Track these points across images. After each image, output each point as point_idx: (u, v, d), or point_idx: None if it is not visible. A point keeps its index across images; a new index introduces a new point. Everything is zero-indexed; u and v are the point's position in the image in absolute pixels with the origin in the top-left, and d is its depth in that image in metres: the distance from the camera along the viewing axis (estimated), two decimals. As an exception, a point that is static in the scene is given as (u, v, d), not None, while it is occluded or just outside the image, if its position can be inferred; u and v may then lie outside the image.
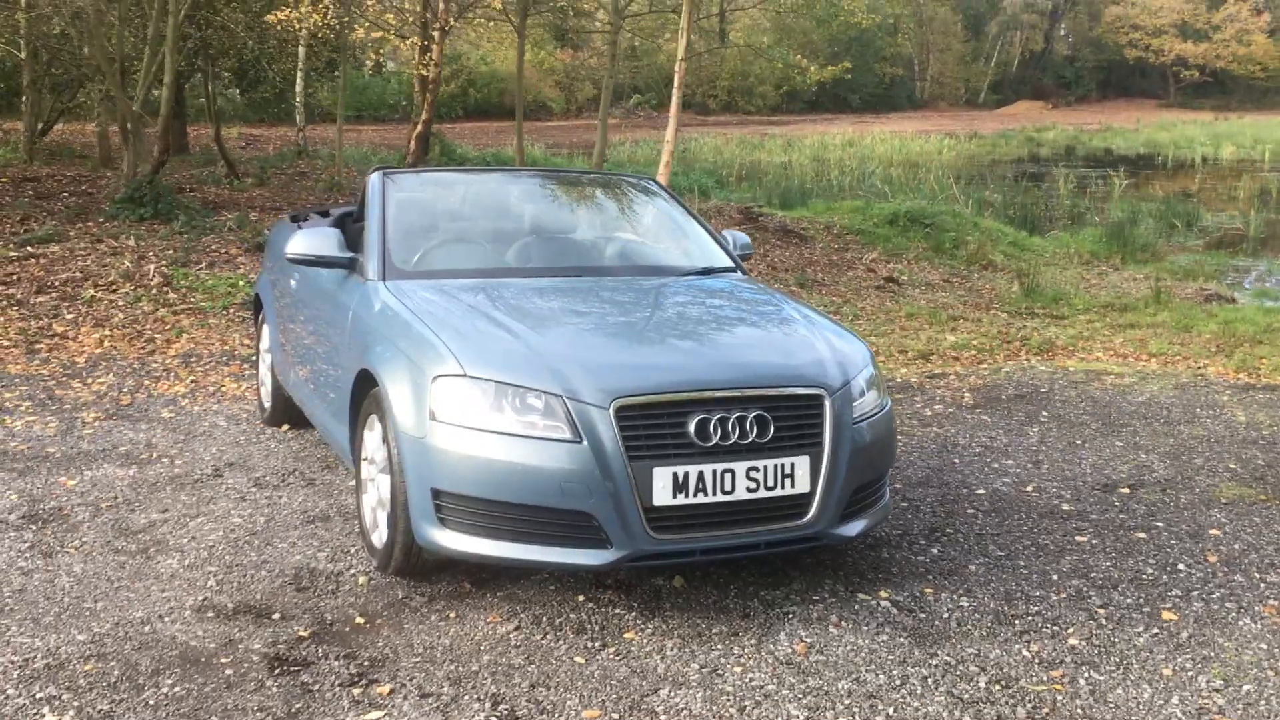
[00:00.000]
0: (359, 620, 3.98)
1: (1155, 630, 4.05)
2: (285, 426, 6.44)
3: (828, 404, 4.08)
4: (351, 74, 27.79)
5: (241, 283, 10.04)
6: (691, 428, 3.86)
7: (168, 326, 8.97)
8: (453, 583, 4.28)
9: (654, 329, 4.43)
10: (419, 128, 14.12)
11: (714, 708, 3.43)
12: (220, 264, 10.57)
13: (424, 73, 13.64)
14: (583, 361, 3.96)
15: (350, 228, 6.21)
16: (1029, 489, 5.67)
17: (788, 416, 4.00)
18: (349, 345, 4.68)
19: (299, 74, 19.82)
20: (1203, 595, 4.37)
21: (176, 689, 3.45)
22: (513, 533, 3.87)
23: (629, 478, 3.78)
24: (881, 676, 3.63)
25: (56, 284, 9.59)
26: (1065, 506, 5.40)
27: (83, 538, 4.64)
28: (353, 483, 5.42)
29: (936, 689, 3.56)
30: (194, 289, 9.82)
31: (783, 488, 3.95)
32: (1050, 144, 39.79)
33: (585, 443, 3.78)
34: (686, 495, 3.83)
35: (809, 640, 3.87)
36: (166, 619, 3.92)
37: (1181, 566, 4.66)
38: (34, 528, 4.74)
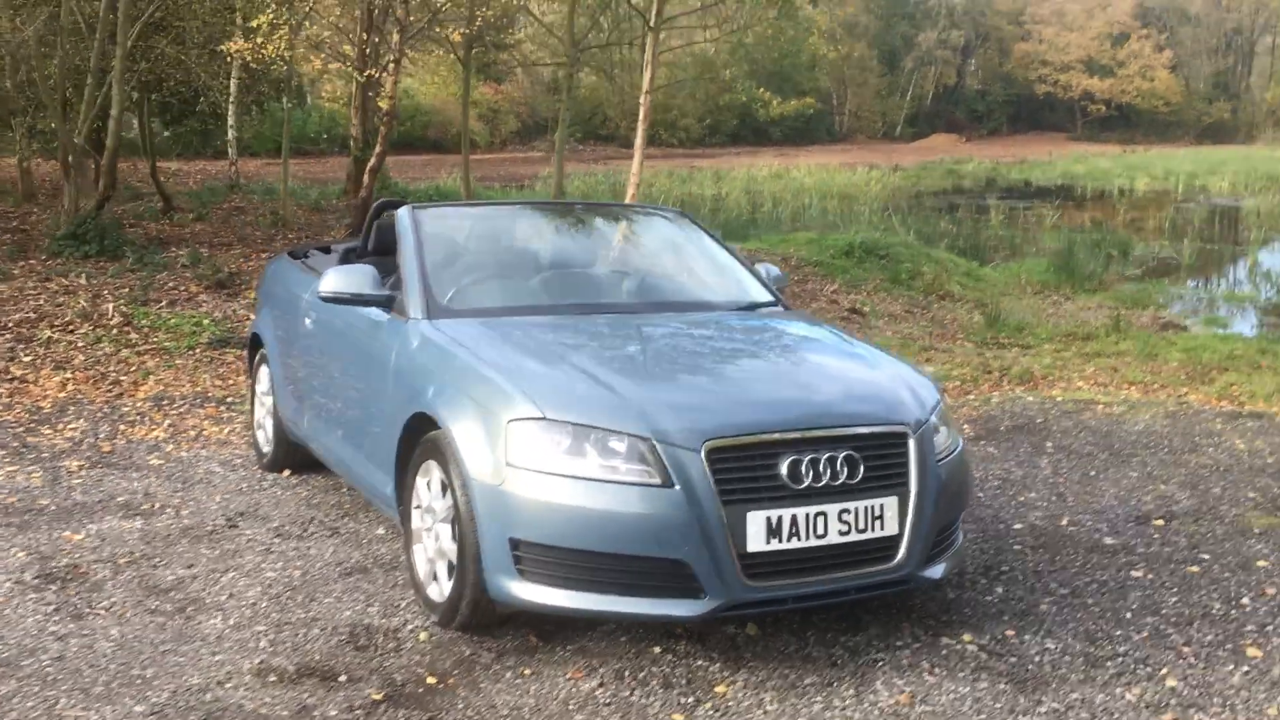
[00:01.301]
0: (430, 680, 3.74)
1: (1245, 668, 3.97)
2: (287, 472, 6.15)
3: (912, 442, 3.95)
4: (272, 107, 27.27)
5: (206, 321, 9.68)
6: (784, 469, 3.70)
7: (133, 368, 8.58)
8: (518, 637, 4.06)
9: (730, 367, 4.28)
10: (373, 160, 13.82)
11: (837, 766, 3.26)
12: (181, 302, 10.18)
13: (382, 105, 13.36)
14: (666, 402, 3.79)
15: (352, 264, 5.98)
16: (1064, 523, 5.60)
17: (875, 455, 3.87)
18: (393, 388, 4.45)
19: (230, 106, 19.37)
20: (1275, 631, 4.31)
21: (258, 764, 3.18)
22: (599, 583, 3.67)
23: (723, 523, 3.61)
24: (996, 727, 3.50)
25: (10, 325, 9.13)
26: (1108, 541, 5.33)
27: (110, 598, 4.33)
28: (380, 531, 5.17)
29: (1056, 738, 3.44)
30: (156, 328, 9.43)
31: (873, 530, 3.81)
32: (971, 176, 40.52)
33: (678, 487, 3.60)
34: (780, 540, 3.67)
35: (908, 689, 3.72)
36: (227, 685, 3.64)
37: (1246, 600, 4.60)
38: (54, 588, 4.41)
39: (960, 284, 14.84)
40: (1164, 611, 4.46)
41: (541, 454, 3.71)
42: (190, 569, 4.65)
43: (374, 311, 4.76)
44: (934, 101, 65.26)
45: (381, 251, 6.13)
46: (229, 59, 12.56)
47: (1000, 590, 4.64)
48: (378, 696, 3.61)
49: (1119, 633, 4.23)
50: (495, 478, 3.75)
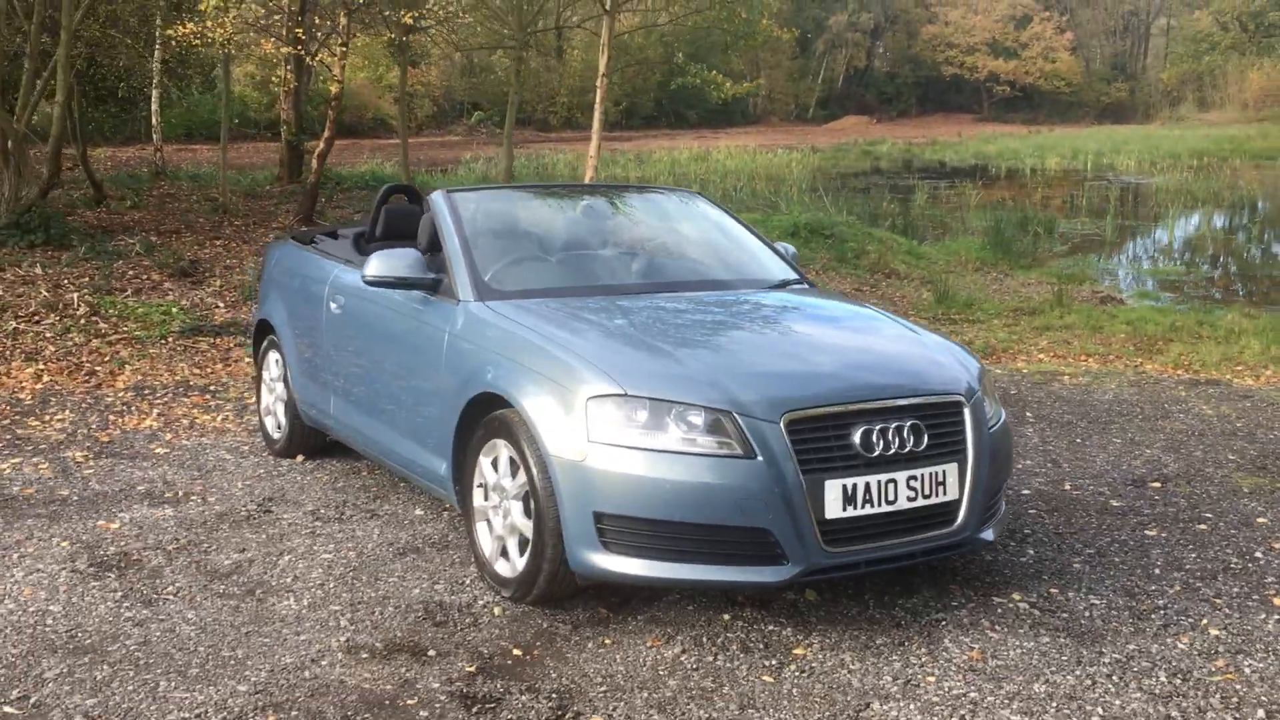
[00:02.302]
0: (516, 652, 3.82)
1: (1277, 617, 4.22)
2: (300, 457, 6.14)
3: (967, 410, 4.13)
4: (180, 93, 26.63)
5: (174, 309, 9.54)
6: (856, 438, 3.85)
7: (106, 358, 8.44)
8: (589, 609, 4.16)
9: (789, 342, 4.41)
10: (321, 146, 13.64)
11: (934, 719, 3.41)
12: (146, 291, 10.01)
13: (332, 88, 13.20)
14: (742, 376, 3.91)
15: (365, 248, 5.98)
16: (1067, 488, 5.85)
17: (936, 424, 4.03)
18: (446, 370, 4.49)
19: (154, 91, 18.94)
20: (1293, 581, 4.59)
21: (378, 738, 3.24)
22: (684, 553, 3.78)
23: (803, 492, 3.74)
24: (1069, 677, 3.69)
25: (-28, 316, 8.91)
26: (1114, 503, 5.58)
27: (174, 583, 4.32)
28: (419, 511, 5.21)
29: (1127, 686, 3.63)
30: (125, 317, 9.27)
31: (936, 495, 3.98)
32: (886, 157, 41.13)
33: (760, 458, 3.72)
34: (855, 507, 3.82)
35: (976, 646, 3.90)
36: (322, 663, 3.68)
37: (1259, 554, 4.87)
38: (113, 575, 4.39)
39: (904, 262, 15.16)
40: (1188, 567, 4.70)
41: (622, 429, 3.80)
42: (244, 553, 4.66)
43: (420, 296, 4.79)
44: (845, 84, 66.10)
45: (390, 236, 6.15)
46: (173, 42, 12.28)
47: (1031, 552, 4.85)
48: (470, 669, 3.68)
49: (1153, 588, 4.46)
50: (577, 454, 3.83)
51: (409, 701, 3.45)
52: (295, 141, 18.35)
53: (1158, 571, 4.64)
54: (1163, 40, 75.24)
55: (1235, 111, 60.92)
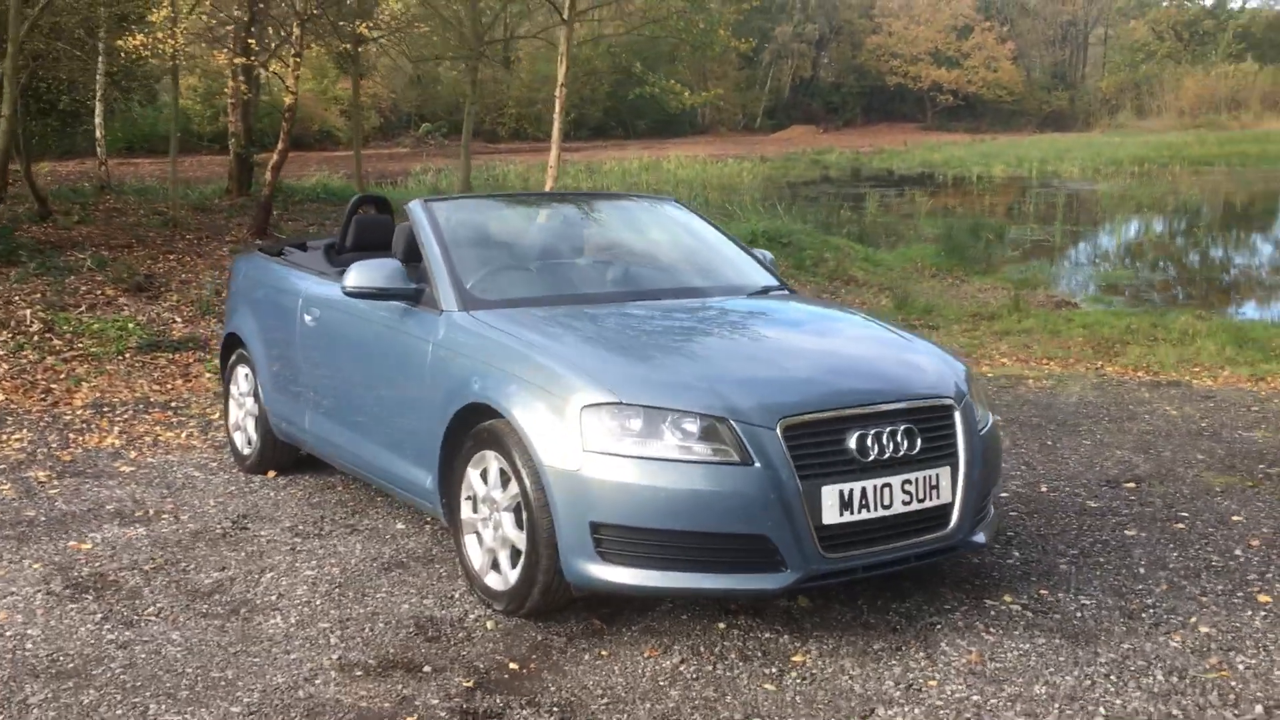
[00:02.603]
0: (513, 666, 3.76)
1: (1263, 613, 4.26)
2: (272, 473, 6.03)
3: (957, 414, 4.14)
4: (124, 106, 26.19)
5: (131, 325, 9.36)
6: (852, 443, 3.84)
7: (63, 375, 8.26)
8: (580, 621, 4.11)
9: (781, 348, 4.40)
10: (275, 158, 13.47)
11: (940, 722, 3.41)
12: (101, 306, 9.82)
13: (286, 99, 13.05)
14: (736, 383, 3.89)
15: (336, 260, 5.91)
16: (1044, 489, 5.88)
17: (929, 427, 4.04)
18: (431, 381, 4.43)
19: (98, 103, 18.62)
20: (1274, 578, 4.63)
21: (381, 757, 3.17)
22: (682, 561, 3.75)
23: (801, 498, 3.72)
24: (1068, 678, 3.69)
25: (-78, 334, 8.69)
26: (1091, 504, 5.62)
27: (156, 603, 4.22)
28: (400, 525, 5.14)
29: (1126, 686, 3.65)
30: (80, 334, 9.08)
31: (930, 499, 3.98)
32: (835, 165, 41.46)
33: (758, 464, 3.70)
34: (852, 512, 3.81)
35: (974, 649, 3.90)
36: (316, 682, 3.60)
37: (1238, 552, 4.92)
38: (90, 596, 4.28)
39: (861, 269, 15.26)
40: (1171, 565, 4.74)
41: (617, 438, 3.76)
42: (224, 571, 4.56)
43: (399, 307, 4.72)
44: (791, 94, 66.50)
45: (361, 247, 6.07)
46: (121, 54, 12.07)
47: (1017, 554, 4.87)
48: (468, 684, 3.62)
49: (1140, 587, 4.49)
50: (571, 463, 3.78)
51: (409, 719, 3.38)
52: (245, 154, 18.11)
53: (1142, 571, 4.67)
54: (1101, 49, 76.53)
55: (1172, 119, 62.07)
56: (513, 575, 4.05)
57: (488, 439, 4.11)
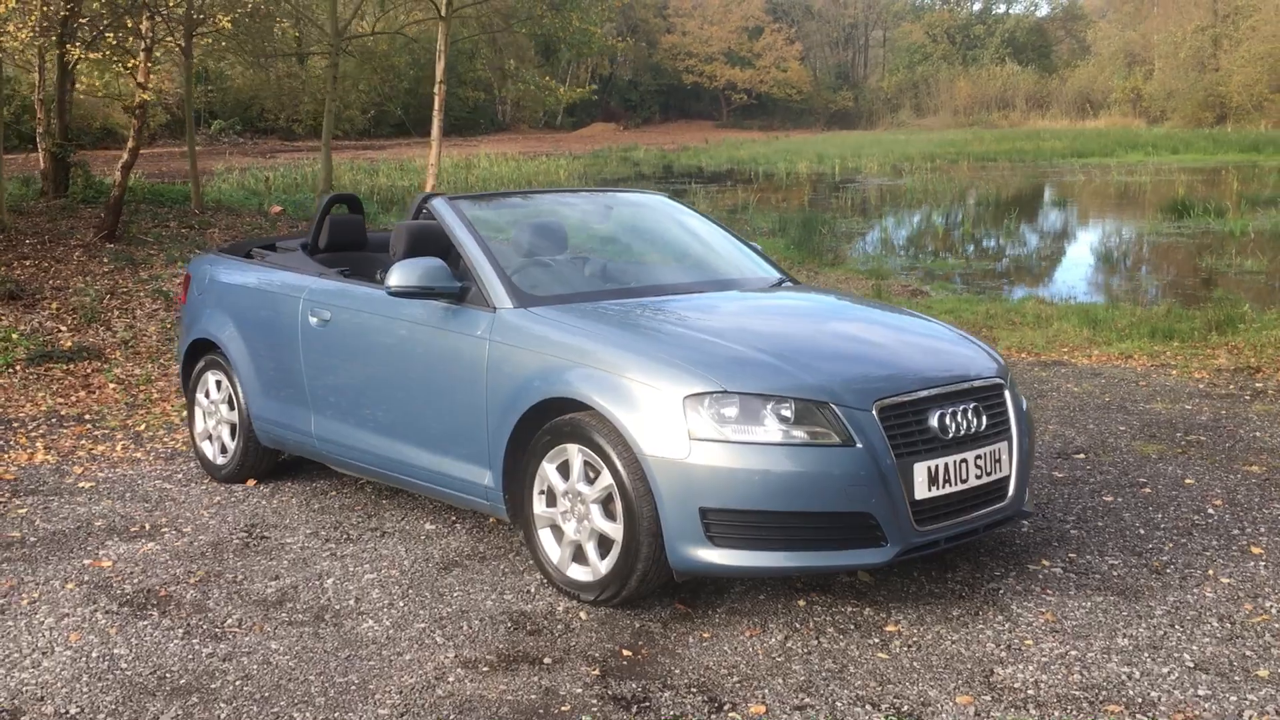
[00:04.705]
0: (627, 653, 3.82)
1: (1264, 563, 4.70)
2: (252, 481, 5.84)
3: (1007, 392, 4.42)
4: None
5: (14, 335, 8.79)
6: (934, 422, 4.06)
7: (-49, 391, 7.71)
8: (666, 607, 4.19)
9: (849, 336, 4.59)
10: (126, 157, 12.78)
11: (1061, 674, 3.65)
12: (-26, 315, 9.17)
13: (146, 97, 12.41)
14: (826, 368, 4.05)
15: (328, 260, 5.80)
16: (1006, 464, 6.26)
17: (990, 406, 4.30)
18: (490, 379, 4.41)
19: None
20: (1254, 532, 5.10)
21: (559, 747, 3.19)
22: (789, 541, 3.88)
23: (897, 475, 3.91)
24: (1142, 629, 4.01)
25: None
26: (1058, 475, 6.03)
27: (230, 615, 4.06)
28: (430, 526, 5.08)
29: (1194, 634, 3.98)
30: (-44, 346, 8.48)
31: (995, 472, 4.24)
32: (645, 162, 42.05)
33: (859, 445, 3.87)
34: (939, 487, 4.03)
35: (1045, 610, 4.17)
36: (449, 679, 3.58)
37: (1210, 510, 5.39)
38: (155, 612, 4.08)
39: (722, 263, 15.62)
40: (1163, 526, 5.16)
41: (724, 425, 3.87)
42: (279, 580, 4.42)
43: (439, 305, 4.66)
44: (591, 92, 67.04)
45: (335, 247, 5.95)
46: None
47: (1026, 523, 5.19)
48: (595, 672, 3.66)
49: (1150, 546, 4.88)
50: (677, 452, 3.86)
51: (564, 708, 3.41)
52: (60, 153, 17.07)
53: (1143, 532, 5.07)
54: (881, 51, 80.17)
55: (948, 117, 65.65)
56: (603, 565, 4.09)
57: (569, 433, 4.13)
